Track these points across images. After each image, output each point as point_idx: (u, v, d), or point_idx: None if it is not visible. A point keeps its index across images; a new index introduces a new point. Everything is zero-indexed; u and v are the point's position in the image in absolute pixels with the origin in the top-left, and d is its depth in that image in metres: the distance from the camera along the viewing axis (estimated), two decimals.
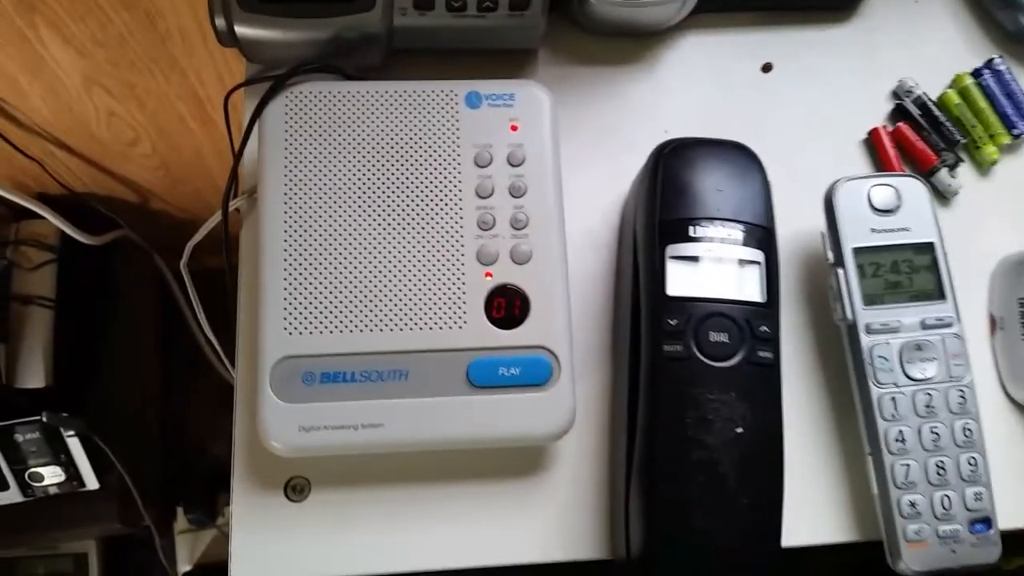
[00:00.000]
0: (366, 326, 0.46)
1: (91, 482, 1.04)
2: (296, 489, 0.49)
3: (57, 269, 1.08)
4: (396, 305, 0.46)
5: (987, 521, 0.47)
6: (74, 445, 1.01)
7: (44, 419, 0.97)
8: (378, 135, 0.48)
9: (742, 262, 0.45)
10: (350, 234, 0.47)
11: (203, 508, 1.26)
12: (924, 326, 0.48)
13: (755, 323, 0.44)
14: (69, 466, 1.02)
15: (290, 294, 0.46)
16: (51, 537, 1.13)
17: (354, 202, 0.47)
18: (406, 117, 0.49)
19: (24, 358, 1.05)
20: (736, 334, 0.44)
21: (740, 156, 0.48)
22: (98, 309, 1.13)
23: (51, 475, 1.02)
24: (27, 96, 0.91)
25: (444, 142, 0.49)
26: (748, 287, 0.45)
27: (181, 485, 1.26)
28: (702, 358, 0.44)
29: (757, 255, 0.46)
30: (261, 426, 0.45)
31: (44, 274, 1.08)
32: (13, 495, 1.03)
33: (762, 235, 0.46)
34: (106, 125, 0.98)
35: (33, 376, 1.04)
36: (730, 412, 0.43)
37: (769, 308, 0.45)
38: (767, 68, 0.59)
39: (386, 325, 0.46)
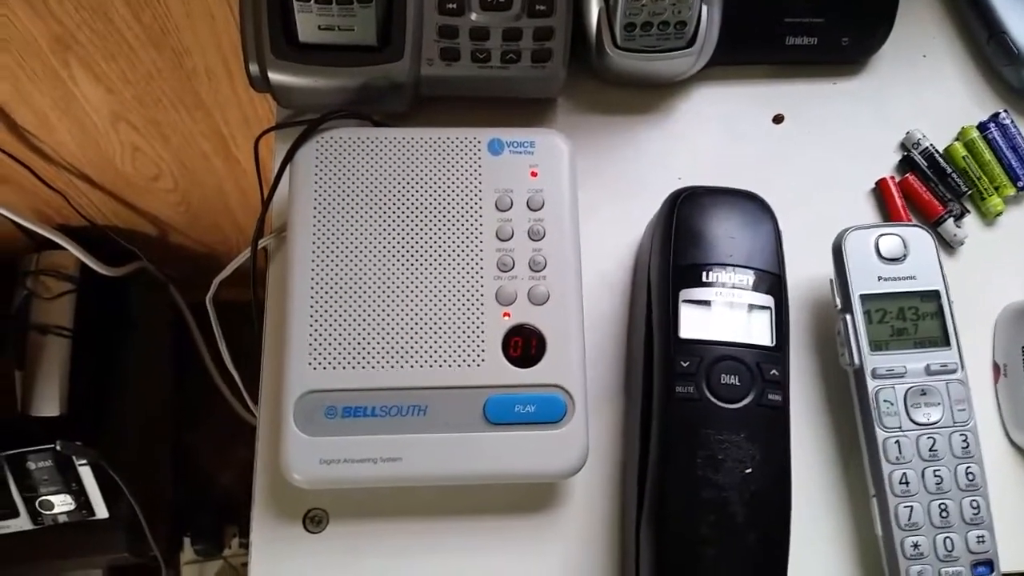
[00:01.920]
0: (388, 363, 0.47)
1: (101, 511, 1.05)
2: (315, 521, 0.50)
3: (75, 299, 1.10)
4: (417, 343, 0.48)
5: (989, 564, 0.47)
6: (86, 474, 1.02)
7: (57, 447, 0.98)
8: (404, 179, 0.50)
9: (753, 307, 0.47)
10: (375, 274, 0.49)
11: (211, 539, 1.26)
12: (929, 372, 0.50)
13: (765, 366, 0.46)
14: (80, 495, 1.03)
15: (315, 330, 0.47)
16: (59, 566, 1.13)
17: (379, 243, 0.49)
18: (431, 162, 0.51)
19: (39, 387, 1.06)
20: (746, 377, 0.45)
21: (752, 205, 0.50)
22: (114, 340, 1.15)
23: (61, 503, 1.03)
24: (55, 130, 0.94)
25: (467, 187, 0.51)
26: (758, 331, 0.46)
27: (189, 516, 1.27)
28: (713, 400, 0.45)
29: (767, 300, 0.47)
30: (283, 458, 0.46)
31: (62, 304, 1.10)
32: (23, 523, 1.03)
33: (772, 281, 0.48)
34: (130, 160, 1.00)
35: (48, 404, 1.06)
36: (739, 453, 0.44)
37: (778, 352, 0.46)
38: (778, 119, 0.61)
39: (407, 362, 0.47)
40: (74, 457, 1.00)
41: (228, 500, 1.32)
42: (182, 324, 1.26)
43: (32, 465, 1.00)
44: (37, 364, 1.07)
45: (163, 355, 1.27)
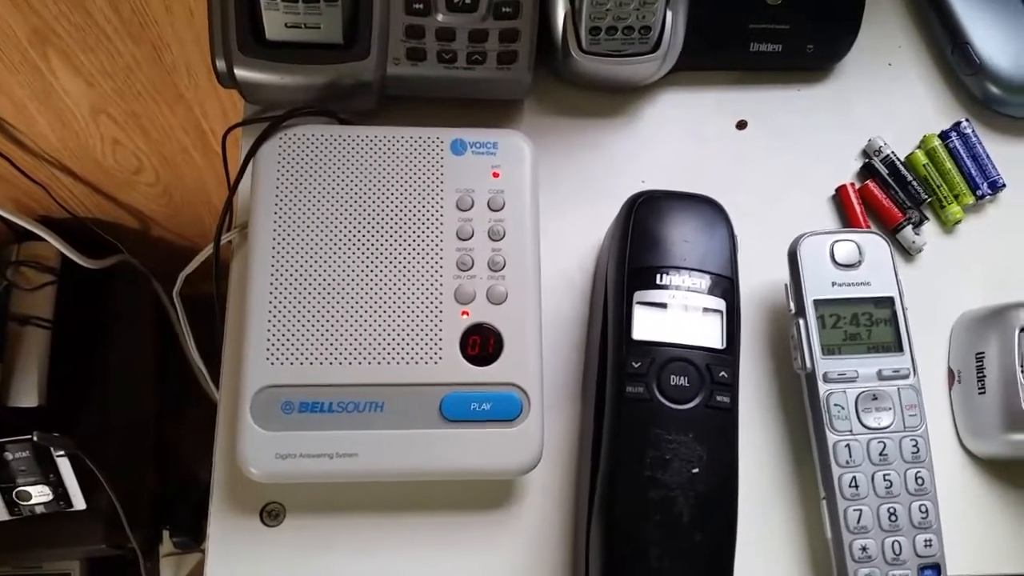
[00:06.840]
0: (345, 359, 0.48)
1: (79, 502, 1.05)
2: (271, 514, 0.50)
3: (56, 291, 1.10)
4: (375, 339, 0.48)
5: (936, 567, 0.48)
6: (63, 465, 1.02)
7: (35, 438, 0.98)
8: (366, 177, 0.51)
9: (705, 310, 0.47)
10: (334, 270, 0.49)
11: (190, 532, 1.27)
12: (880, 377, 0.50)
13: (715, 368, 0.46)
14: (57, 486, 1.03)
15: (274, 326, 0.48)
16: (36, 556, 1.13)
17: (340, 240, 0.50)
18: (394, 161, 0.51)
19: (18, 377, 1.06)
20: (696, 378, 0.46)
21: (708, 209, 0.50)
22: (95, 332, 1.15)
23: (39, 494, 1.03)
24: (35, 122, 0.94)
25: (428, 186, 0.51)
26: (709, 334, 0.47)
27: (169, 508, 1.27)
28: (662, 400, 0.45)
29: (719, 304, 0.48)
30: (240, 452, 0.47)
31: (43, 295, 1.10)
32: (0, 513, 1.04)
33: (725, 285, 0.48)
34: (111, 153, 1.00)
35: (26, 395, 1.06)
36: (687, 453, 0.44)
37: (728, 355, 0.47)
38: (742, 125, 0.62)
39: (365, 358, 0.48)
40: (52, 448, 1.00)
41: (208, 493, 1.32)
42: (163, 317, 1.26)
43: (10, 456, 1.00)
44: (16, 355, 1.07)
45: (144, 348, 1.27)
